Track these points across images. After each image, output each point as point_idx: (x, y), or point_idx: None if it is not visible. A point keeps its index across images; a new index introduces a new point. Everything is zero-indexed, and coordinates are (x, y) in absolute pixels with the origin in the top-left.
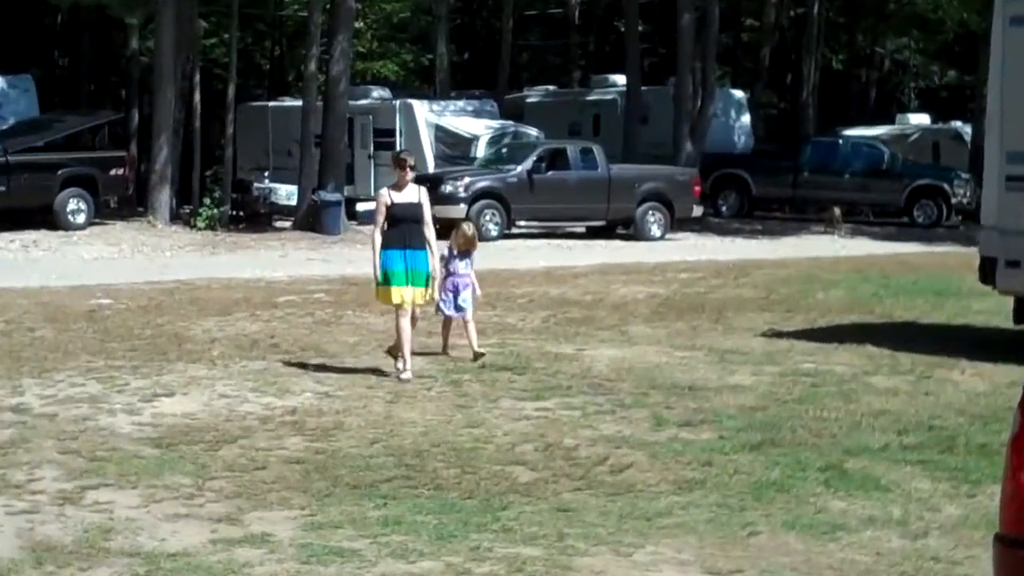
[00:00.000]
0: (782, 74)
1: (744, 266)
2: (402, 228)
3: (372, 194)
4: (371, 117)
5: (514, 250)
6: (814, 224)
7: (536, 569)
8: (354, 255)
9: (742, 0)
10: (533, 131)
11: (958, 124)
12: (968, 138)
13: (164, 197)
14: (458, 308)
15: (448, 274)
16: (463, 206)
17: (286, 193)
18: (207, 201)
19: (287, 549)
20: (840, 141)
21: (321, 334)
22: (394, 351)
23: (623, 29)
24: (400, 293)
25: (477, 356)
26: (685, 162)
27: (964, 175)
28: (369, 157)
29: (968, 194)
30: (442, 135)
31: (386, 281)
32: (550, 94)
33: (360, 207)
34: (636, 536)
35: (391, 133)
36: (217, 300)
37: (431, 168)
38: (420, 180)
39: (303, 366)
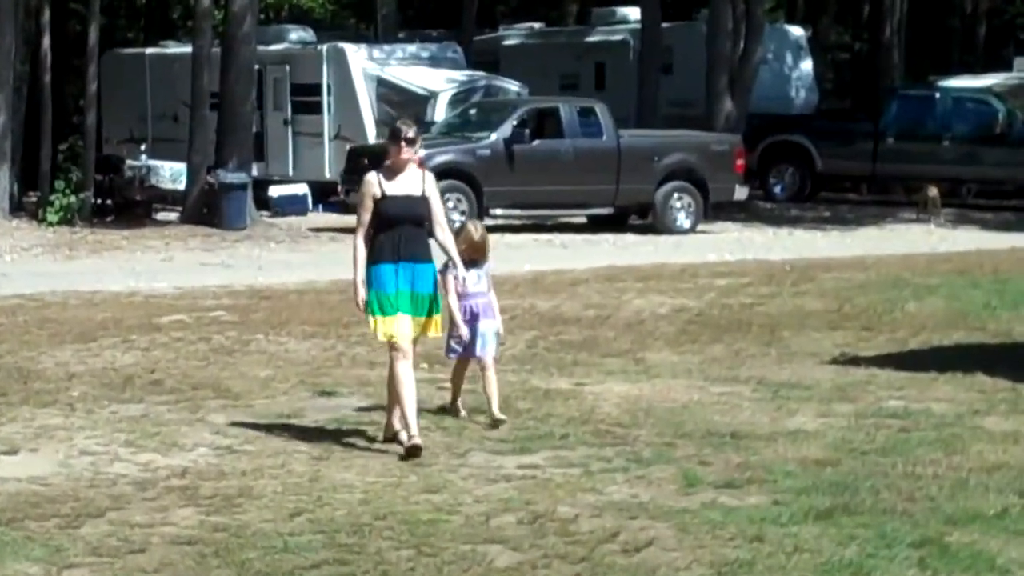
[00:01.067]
0: (856, 4)
1: (806, 268)
2: (397, 233)
3: (289, 173)
4: (288, 68)
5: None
6: (902, 210)
7: None
8: (266, 257)
9: None
10: (513, 85)
11: None
12: None
13: (1, 181)
14: (475, 345)
15: (456, 296)
16: None
17: (171, 174)
18: (61, 186)
19: None
20: (937, 95)
21: (221, 367)
22: (388, 431)
23: None
24: (394, 326)
25: (496, 423)
26: (724, 126)
27: None
28: (286, 123)
29: None
30: (387, 92)
31: (373, 309)
32: (536, 34)
33: (274, 192)
34: None
35: (316, 90)
36: (77, 321)
37: (372, 137)
38: (356, 154)
39: (196, 410)
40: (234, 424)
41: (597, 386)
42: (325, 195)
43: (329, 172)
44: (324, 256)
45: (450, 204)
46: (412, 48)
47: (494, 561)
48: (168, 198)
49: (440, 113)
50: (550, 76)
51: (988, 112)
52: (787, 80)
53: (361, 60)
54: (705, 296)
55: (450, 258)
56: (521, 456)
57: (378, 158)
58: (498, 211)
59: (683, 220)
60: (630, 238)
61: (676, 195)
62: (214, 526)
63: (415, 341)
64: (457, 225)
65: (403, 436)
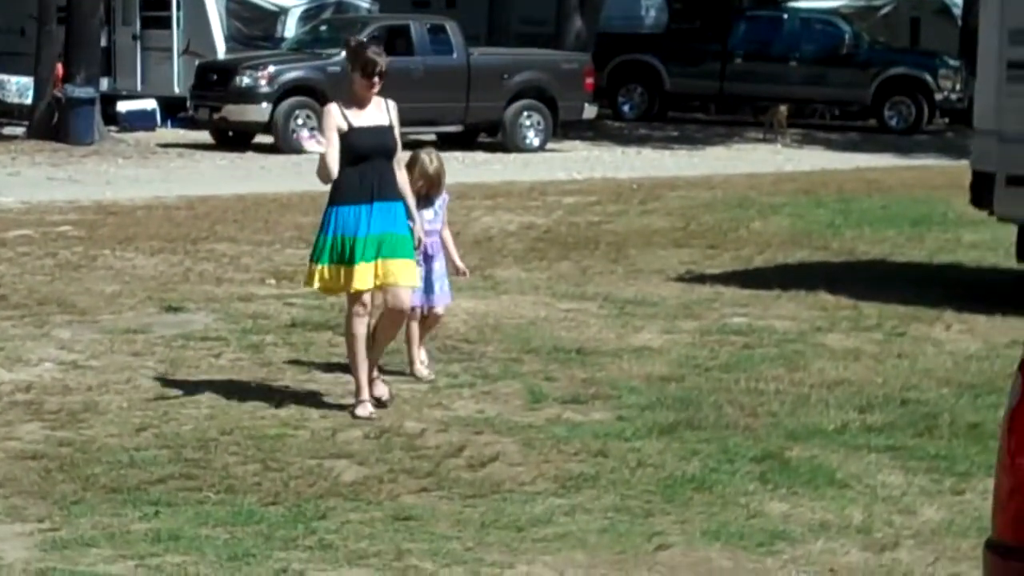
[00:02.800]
0: None
1: (653, 186)
2: (366, 169)
3: (138, 88)
4: None
5: None
6: (749, 129)
7: None
8: (113, 173)
9: None
10: (364, 2)
11: None
12: (958, 12)
13: None
14: (429, 290)
15: None
16: (265, 105)
17: (17, 88)
18: None
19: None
20: (785, 16)
21: (67, 282)
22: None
23: None
24: (363, 274)
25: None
26: (573, 44)
27: (953, 62)
28: (135, 37)
29: (959, 88)
30: (237, 7)
31: (339, 257)
32: None
33: (123, 107)
34: (503, 552)
35: (165, 4)
36: None
37: (221, 53)
38: (205, 70)
39: (42, 325)
40: (80, 339)
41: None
42: (174, 111)
43: (178, 88)
44: (172, 172)
45: (299, 121)
46: None
47: (340, 475)
48: (14, 112)
49: (291, 29)
50: None
51: (835, 33)
52: (637, 1)
53: None
54: (553, 214)
55: (405, 203)
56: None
57: (228, 73)
58: None
59: (532, 138)
60: (479, 156)
61: (525, 113)
62: (59, 441)
63: (398, 290)
64: (409, 156)
65: (375, 392)
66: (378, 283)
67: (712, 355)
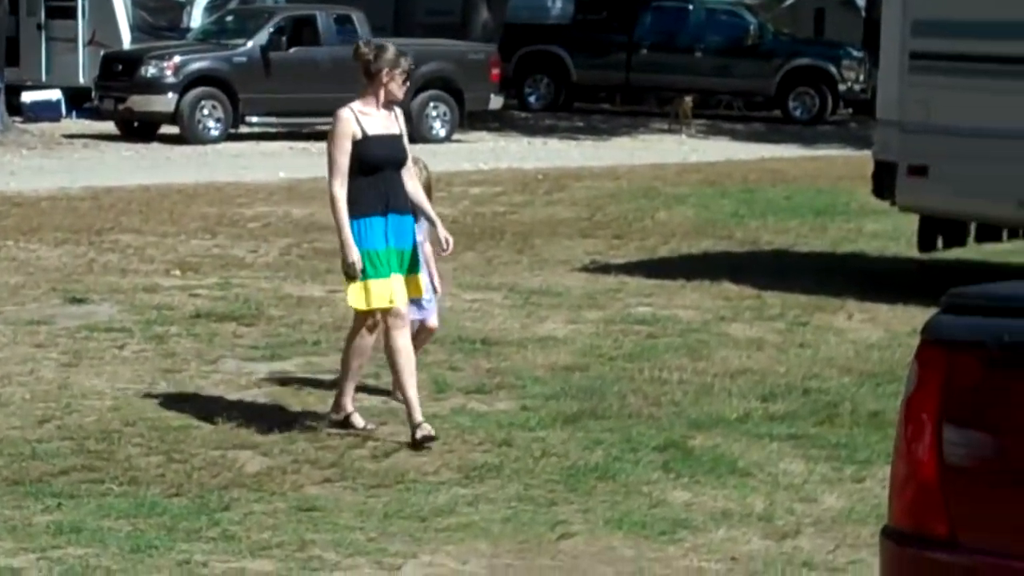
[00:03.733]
0: None
1: (559, 177)
2: (381, 179)
3: (43, 79)
4: None
5: (243, 156)
6: (655, 120)
7: None
8: (17, 163)
9: None
10: None
11: None
12: (862, 4)
13: None
14: (419, 304)
15: None
16: (171, 96)
17: None
18: None
19: None
20: (690, 7)
21: None
22: (340, 410)
23: None
24: (389, 289)
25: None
26: (479, 35)
27: (856, 53)
28: (39, 27)
29: (861, 79)
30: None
31: (363, 272)
32: None
33: (27, 97)
34: (406, 542)
35: None
36: None
37: (126, 43)
38: (111, 60)
39: None
40: None
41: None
42: (79, 101)
43: (83, 78)
44: (77, 163)
45: (206, 111)
46: None
47: (244, 466)
48: None
49: (196, 19)
50: None
51: (740, 24)
52: None
53: None
54: (459, 204)
55: (423, 210)
56: (272, 363)
57: (134, 64)
58: (254, 119)
59: (439, 129)
60: None
61: (432, 104)
62: None
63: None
64: None
65: (415, 419)
66: (389, 303)
67: (616, 345)
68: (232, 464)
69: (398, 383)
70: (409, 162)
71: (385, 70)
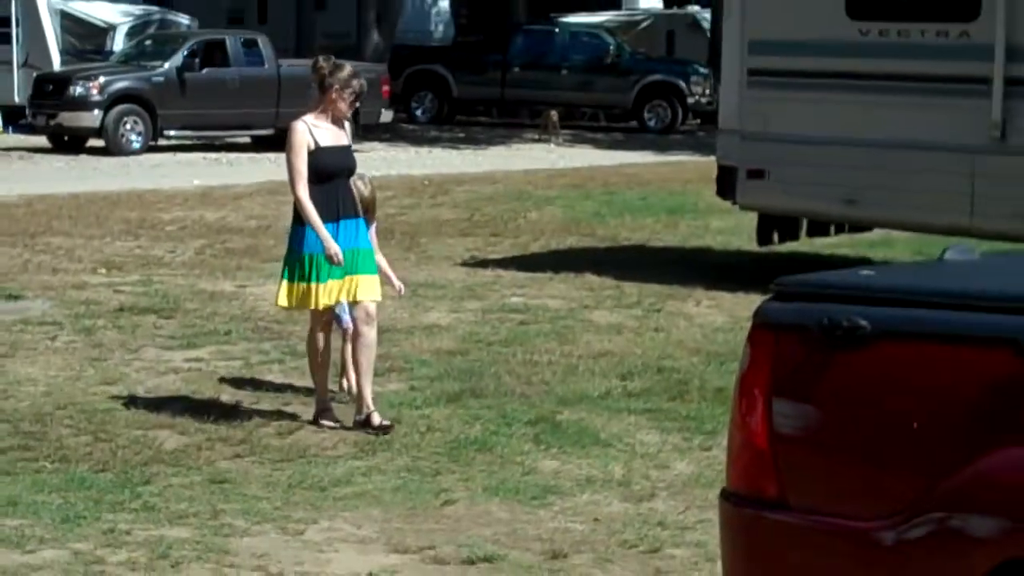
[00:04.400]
0: None
1: (443, 182)
2: (333, 187)
3: None
4: None
5: (162, 166)
6: (526, 131)
7: (184, 554)
8: None
9: None
10: (184, 19)
11: (696, 9)
12: (707, 26)
13: None
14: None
15: None
16: (97, 112)
17: None
18: None
19: None
20: (556, 30)
21: None
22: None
23: None
24: (331, 291)
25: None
26: (371, 56)
27: (703, 70)
28: None
29: (707, 92)
30: (70, 24)
31: (308, 275)
32: None
33: None
34: (308, 510)
35: (5, 22)
36: None
37: (56, 65)
38: (42, 80)
39: None
40: None
41: (257, 288)
42: (15, 117)
43: (18, 97)
44: (13, 173)
45: (128, 126)
46: None
47: (163, 444)
48: None
49: (119, 43)
50: (218, 11)
51: (600, 45)
52: (427, 16)
53: None
54: None
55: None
56: (188, 351)
57: (63, 84)
58: (171, 132)
59: None
60: None
61: None
62: None
63: (361, 303)
64: None
65: (366, 410)
66: (348, 298)
67: (493, 331)
68: (152, 442)
69: (357, 373)
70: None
71: (336, 87)
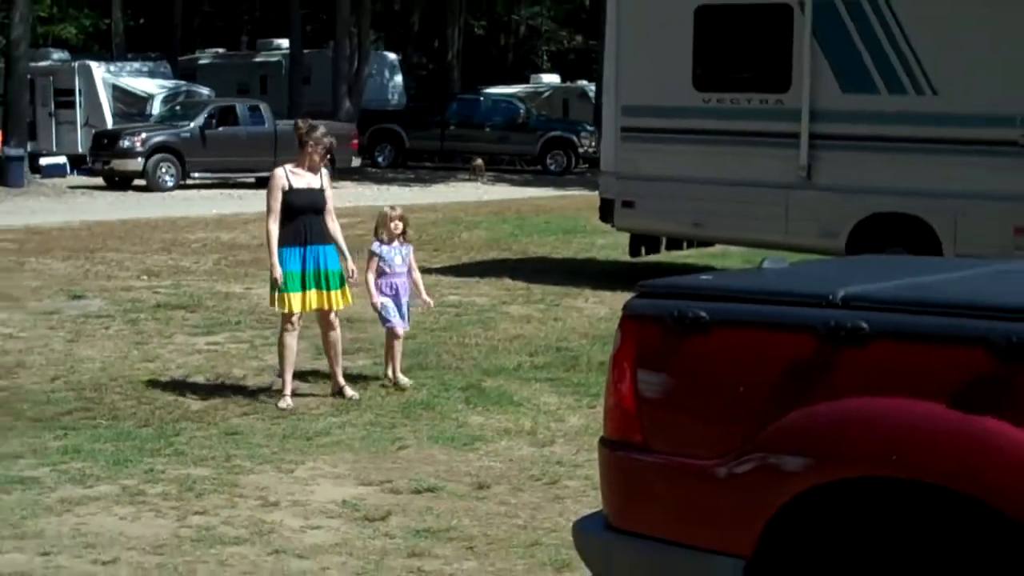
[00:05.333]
0: (430, 38)
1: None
2: (300, 222)
3: (53, 149)
4: (51, 78)
5: (189, 199)
6: (460, 172)
7: (205, 487)
8: (37, 206)
9: None
10: (205, 90)
11: (584, 83)
12: (592, 95)
13: None
14: (402, 317)
15: (381, 274)
16: (140, 159)
17: None
18: None
19: None
20: (481, 98)
21: (5, 280)
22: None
23: None
24: (293, 300)
25: (398, 386)
26: (344, 118)
27: (589, 127)
28: (50, 115)
29: (593, 144)
30: (119, 94)
31: (285, 285)
32: (220, 56)
33: (43, 161)
34: (297, 454)
35: (71, 92)
36: None
37: (110, 124)
38: (99, 136)
39: None
40: (13, 319)
41: (260, 289)
42: (78, 163)
43: (81, 148)
44: (77, 206)
45: (163, 169)
46: (136, 64)
47: (190, 406)
48: None
49: (156, 108)
50: (230, 85)
51: (514, 109)
52: (386, 88)
53: (101, 72)
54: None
55: (338, 245)
56: (208, 336)
57: (115, 138)
58: (196, 174)
59: None
60: None
61: None
62: None
63: (329, 312)
64: (378, 214)
65: (285, 392)
66: (313, 307)
67: (435, 321)
68: (181, 405)
69: (330, 360)
70: (330, 205)
71: (311, 143)
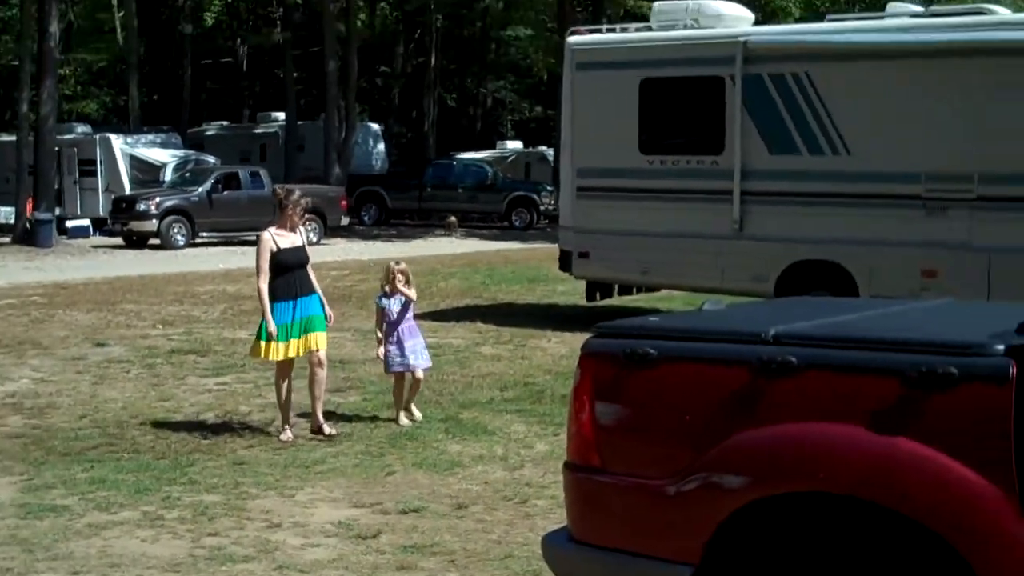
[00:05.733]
0: (409, 110)
1: (382, 262)
2: (290, 277)
3: (78, 212)
4: (76, 149)
5: (198, 256)
6: (436, 229)
7: (216, 512)
8: (64, 264)
9: (376, 50)
10: (211, 158)
11: (544, 148)
12: (551, 159)
13: None
14: (409, 358)
15: (389, 322)
16: (155, 221)
17: (4, 214)
18: None
19: (8, 508)
20: (454, 163)
21: (36, 330)
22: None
23: (282, 75)
24: (292, 347)
25: (413, 419)
26: (334, 182)
27: (549, 187)
28: (75, 182)
29: (552, 202)
30: (136, 163)
31: (270, 337)
32: (225, 128)
33: (69, 224)
34: (297, 481)
35: (93, 162)
36: None
37: (127, 190)
38: (118, 200)
39: (21, 356)
40: (44, 365)
41: None
42: (100, 225)
43: (102, 211)
44: (100, 263)
45: (175, 229)
46: (150, 136)
47: (201, 440)
48: (3, 229)
49: (168, 175)
50: (233, 154)
51: (482, 172)
52: (370, 155)
53: (120, 144)
54: (324, 280)
55: (319, 295)
56: (217, 377)
57: (132, 202)
58: (204, 233)
59: (313, 237)
60: None
61: (308, 222)
62: (32, 426)
63: (316, 352)
64: (384, 269)
65: (286, 429)
66: (304, 349)
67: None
68: (194, 438)
69: (312, 399)
70: (309, 260)
71: (290, 206)
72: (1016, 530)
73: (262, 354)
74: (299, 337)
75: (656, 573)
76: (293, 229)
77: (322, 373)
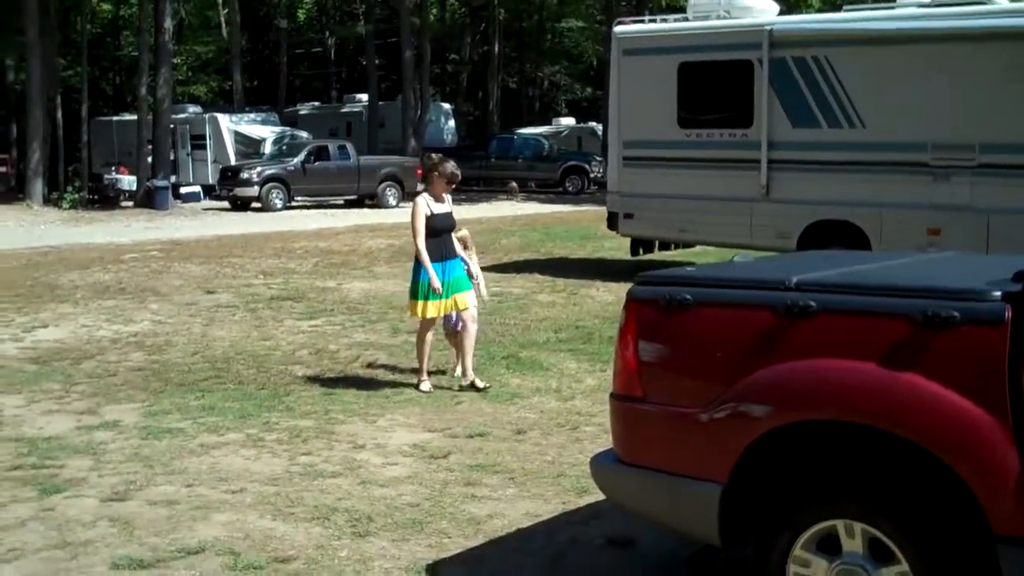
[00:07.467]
0: (475, 92)
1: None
2: (439, 241)
3: (191, 180)
4: (188, 126)
5: (294, 217)
6: (499, 194)
7: (309, 434)
8: (178, 224)
9: (446, 40)
10: (304, 134)
11: (593, 124)
12: (599, 133)
13: (38, 187)
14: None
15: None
16: (256, 187)
17: (128, 182)
18: (70, 188)
19: (131, 430)
20: (515, 137)
21: (155, 280)
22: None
23: (364, 62)
24: (436, 307)
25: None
26: (410, 154)
27: (598, 158)
28: (187, 155)
29: (601, 170)
30: (240, 139)
31: (425, 296)
32: (316, 108)
33: (183, 190)
34: (379, 409)
35: (203, 138)
36: (79, 259)
37: (232, 161)
38: (225, 170)
39: (143, 302)
40: (162, 309)
41: (349, 284)
42: (209, 191)
43: (211, 179)
44: (209, 223)
45: (274, 194)
46: (252, 115)
47: (297, 373)
48: (127, 195)
49: (268, 149)
50: (323, 129)
51: (539, 145)
52: (442, 131)
53: (226, 122)
54: (403, 239)
55: (463, 258)
56: (311, 320)
57: (237, 172)
58: (298, 198)
59: (392, 201)
60: (366, 210)
61: (388, 188)
62: (152, 361)
63: (463, 311)
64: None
65: (424, 379)
66: (453, 309)
67: (483, 307)
68: (291, 372)
69: (463, 353)
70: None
71: (435, 174)
72: (1008, 454)
73: (418, 312)
74: (448, 297)
75: (690, 490)
76: (441, 197)
77: (473, 328)
